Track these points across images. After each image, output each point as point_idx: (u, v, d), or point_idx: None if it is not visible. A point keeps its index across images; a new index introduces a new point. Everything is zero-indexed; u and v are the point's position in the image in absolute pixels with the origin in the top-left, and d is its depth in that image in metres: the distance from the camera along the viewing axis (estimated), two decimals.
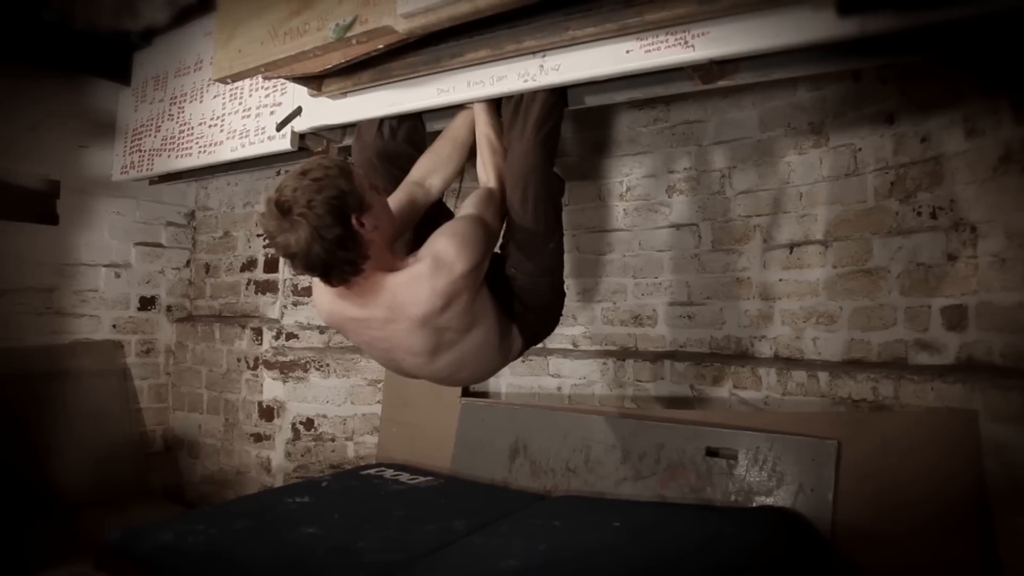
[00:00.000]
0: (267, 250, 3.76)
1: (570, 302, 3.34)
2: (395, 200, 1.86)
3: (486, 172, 1.97)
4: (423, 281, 1.60)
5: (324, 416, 3.43)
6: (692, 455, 2.49)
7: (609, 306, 3.32)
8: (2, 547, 2.70)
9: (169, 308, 3.97)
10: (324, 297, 1.73)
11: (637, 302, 3.27)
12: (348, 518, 2.30)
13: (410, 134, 2.22)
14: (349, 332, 1.81)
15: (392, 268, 1.62)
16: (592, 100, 2.05)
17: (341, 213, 1.47)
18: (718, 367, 2.83)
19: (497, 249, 1.97)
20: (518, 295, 1.94)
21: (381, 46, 1.86)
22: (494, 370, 2.02)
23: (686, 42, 1.71)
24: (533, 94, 1.96)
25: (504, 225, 1.94)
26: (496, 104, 2.10)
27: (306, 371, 3.43)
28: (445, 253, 1.61)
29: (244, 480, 3.54)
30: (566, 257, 2.12)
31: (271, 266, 3.73)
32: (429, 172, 2.01)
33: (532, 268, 1.93)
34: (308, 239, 1.45)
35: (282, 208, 1.46)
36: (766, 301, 2.90)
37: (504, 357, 1.95)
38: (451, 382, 2.11)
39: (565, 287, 2.10)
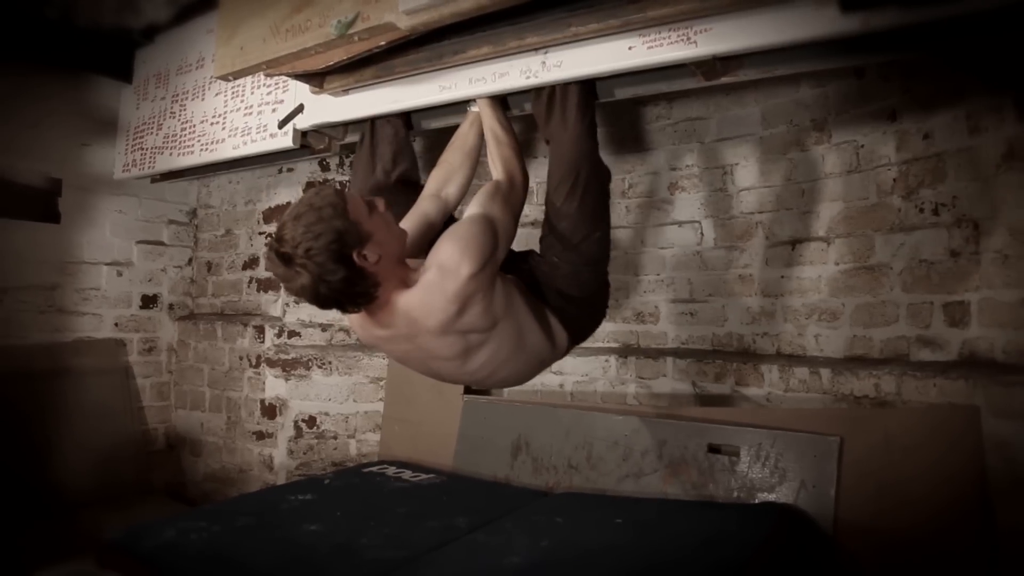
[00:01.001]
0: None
1: None
2: (414, 216, 1.88)
3: (494, 165, 1.95)
4: (433, 291, 1.59)
5: (326, 414, 3.43)
6: (694, 452, 2.49)
7: (611, 303, 3.31)
8: (4, 545, 2.70)
9: (171, 306, 3.97)
10: (356, 321, 1.75)
11: (639, 299, 3.27)
12: (350, 515, 2.30)
13: (405, 175, 2.21)
14: (385, 350, 1.84)
15: (406, 283, 1.61)
16: (620, 93, 2.03)
17: (341, 255, 1.49)
18: (720, 364, 2.83)
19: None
20: (558, 287, 1.90)
21: (383, 43, 1.85)
22: (537, 365, 1.95)
23: (689, 38, 1.71)
24: (565, 85, 1.93)
25: (519, 214, 1.90)
26: (500, 97, 2.09)
27: (308, 369, 3.43)
28: (448, 259, 1.59)
29: (246, 478, 3.54)
30: None
31: None
32: (444, 183, 2.00)
33: (576, 258, 1.89)
34: (313, 284, 1.49)
35: (283, 258, 1.50)
36: (768, 298, 2.90)
37: (547, 351, 1.90)
38: (496, 382, 2.04)
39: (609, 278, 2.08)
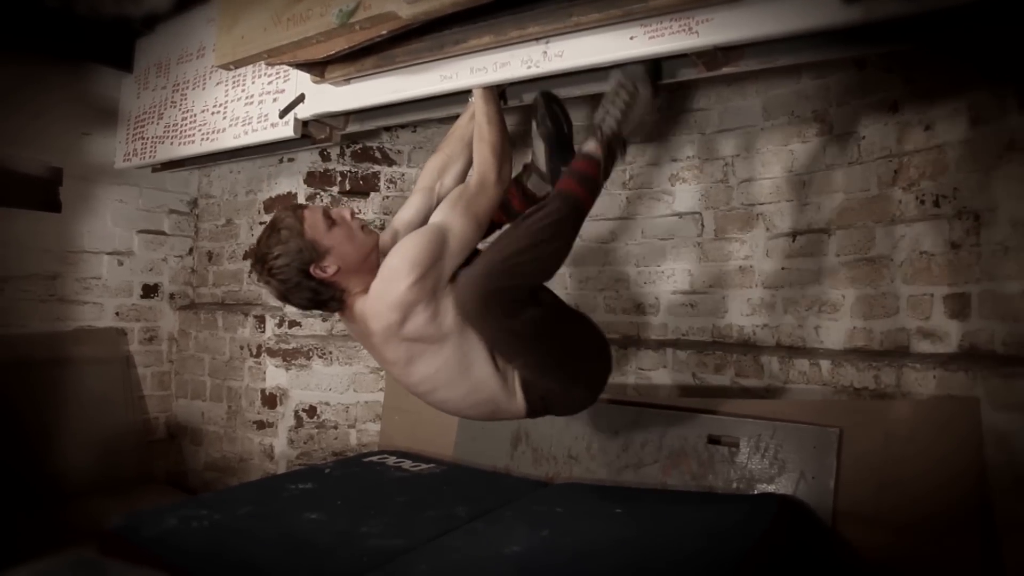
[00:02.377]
0: None
1: (573, 291, 3.34)
2: (410, 210, 1.96)
3: (474, 161, 1.95)
4: (378, 298, 1.71)
5: (327, 403, 3.44)
6: (694, 443, 2.49)
7: (611, 294, 3.32)
8: (4, 534, 2.71)
9: (172, 296, 3.98)
10: (344, 316, 1.88)
11: (639, 290, 3.27)
12: (351, 504, 2.31)
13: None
14: (363, 347, 1.97)
15: (368, 287, 1.75)
16: (593, 88, 2.05)
17: (300, 271, 1.69)
18: (720, 355, 2.83)
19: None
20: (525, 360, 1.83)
21: (384, 32, 1.85)
22: (483, 404, 1.87)
23: (690, 28, 1.71)
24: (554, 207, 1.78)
25: (484, 218, 1.86)
26: (497, 89, 2.09)
27: (309, 359, 3.43)
28: (390, 268, 1.70)
29: (247, 467, 3.55)
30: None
31: None
32: (440, 173, 2.02)
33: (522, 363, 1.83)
34: (284, 296, 1.75)
35: (257, 271, 1.74)
36: (768, 289, 2.90)
37: (498, 392, 1.82)
38: (437, 403, 1.91)
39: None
